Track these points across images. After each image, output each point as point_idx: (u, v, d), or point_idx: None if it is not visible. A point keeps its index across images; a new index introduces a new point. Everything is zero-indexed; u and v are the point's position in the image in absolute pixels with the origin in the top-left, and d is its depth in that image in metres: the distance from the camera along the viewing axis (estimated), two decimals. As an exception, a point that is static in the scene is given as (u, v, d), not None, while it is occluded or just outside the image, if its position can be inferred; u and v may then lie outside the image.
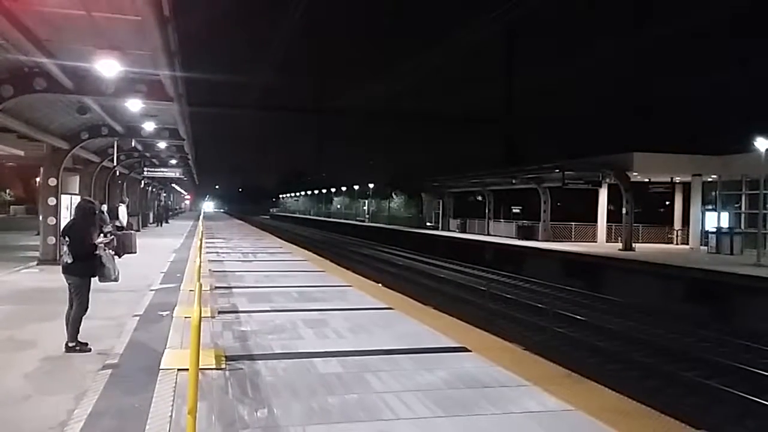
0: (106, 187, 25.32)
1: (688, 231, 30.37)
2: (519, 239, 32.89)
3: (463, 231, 41.49)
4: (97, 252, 7.28)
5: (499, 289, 21.92)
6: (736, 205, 26.65)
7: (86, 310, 7.22)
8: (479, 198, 43.04)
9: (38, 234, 17.49)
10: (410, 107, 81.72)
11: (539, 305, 18.36)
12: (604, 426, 4.84)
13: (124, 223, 19.92)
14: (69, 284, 7.23)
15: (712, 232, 25.99)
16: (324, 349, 7.24)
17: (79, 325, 7.18)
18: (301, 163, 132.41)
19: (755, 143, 20.61)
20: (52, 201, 15.86)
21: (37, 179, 19.59)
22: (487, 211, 40.85)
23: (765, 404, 9.64)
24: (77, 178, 20.39)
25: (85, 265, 7.17)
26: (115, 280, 7.48)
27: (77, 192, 18.75)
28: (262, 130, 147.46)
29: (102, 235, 7.78)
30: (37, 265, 15.15)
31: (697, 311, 17.18)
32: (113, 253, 7.78)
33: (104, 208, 19.55)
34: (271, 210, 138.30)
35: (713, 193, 28.03)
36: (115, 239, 8.09)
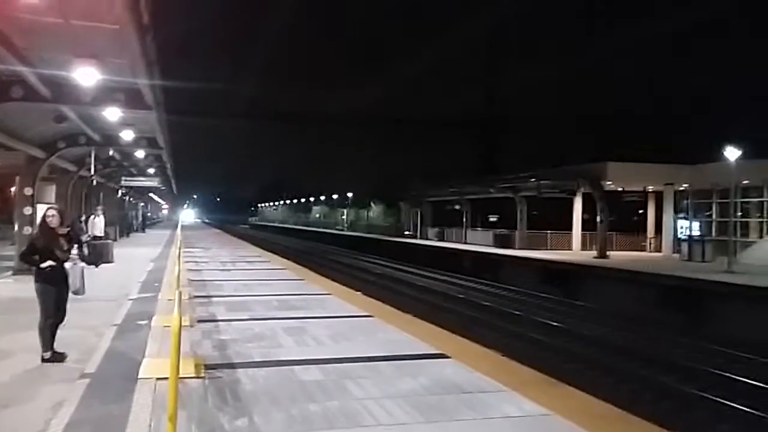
0: (82, 196, 25.05)
1: (661, 239, 30.88)
2: (496, 247, 33.15)
3: (441, 239, 41.68)
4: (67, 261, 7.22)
5: (476, 297, 22.09)
6: (707, 214, 27.18)
7: (49, 319, 7.08)
8: (457, 207, 43.33)
9: (14, 244, 17.25)
10: (389, 115, 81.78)
11: (516, 312, 18.56)
12: (581, 429, 4.94)
13: (101, 233, 19.71)
14: None
15: (685, 240, 26.47)
16: (304, 356, 7.26)
17: (48, 333, 7.08)
18: (281, 173, 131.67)
19: (725, 152, 21.07)
20: (27, 210, 15.69)
21: (13, 189, 19.31)
22: (464, 219, 41.11)
23: (737, 408, 9.85)
24: (53, 187, 20.15)
25: (38, 271, 7.11)
26: (75, 293, 7.39)
27: (53, 202, 18.51)
28: (241, 139, 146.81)
29: (77, 245, 7.71)
30: (12, 275, 14.94)
31: (670, 317, 17.45)
32: (84, 264, 7.72)
33: (83, 218, 19.39)
34: (250, 219, 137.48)
35: (685, 202, 28.56)
36: (86, 249, 8.03)
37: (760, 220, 24.68)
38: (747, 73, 41.81)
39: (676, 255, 27.13)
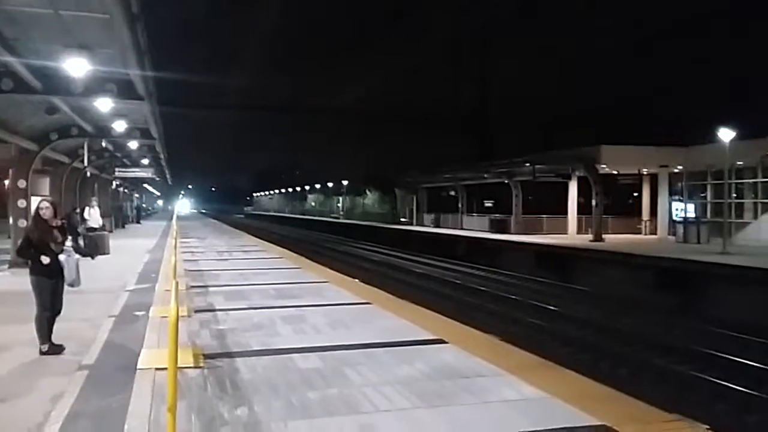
0: (76, 188, 24.95)
1: (656, 221, 30.97)
2: (492, 233, 33.20)
3: (437, 225, 41.72)
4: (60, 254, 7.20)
5: (473, 282, 22.15)
6: (702, 195, 27.24)
7: (46, 311, 7.10)
8: (452, 193, 43.35)
9: (9, 237, 17.22)
10: (385, 105, 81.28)
11: (512, 297, 18.62)
12: (579, 411, 4.97)
13: (97, 225, 19.67)
14: None
15: (680, 222, 26.53)
16: (303, 345, 7.27)
17: (45, 325, 7.11)
18: (276, 162, 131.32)
19: (719, 134, 21.08)
20: (22, 203, 15.65)
21: (6, 181, 19.24)
22: (460, 205, 41.14)
23: (733, 388, 9.93)
24: (47, 179, 20.06)
25: (34, 264, 7.09)
26: (71, 285, 7.37)
27: (48, 194, 18.45)
28: (237, 129, 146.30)
29: (73, 237, 7.68)
30: (9, 268, 14.93)
31: (665, 299, 17.51)
32: (79, 256, 7.69)
33: (78, 210, 19.32)
34: (245, 209, 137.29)
35: (679, 184, 28.60)
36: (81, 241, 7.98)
37: (755, 201, 24.74)
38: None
39: (672, 237, 27.22)
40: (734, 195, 25.05)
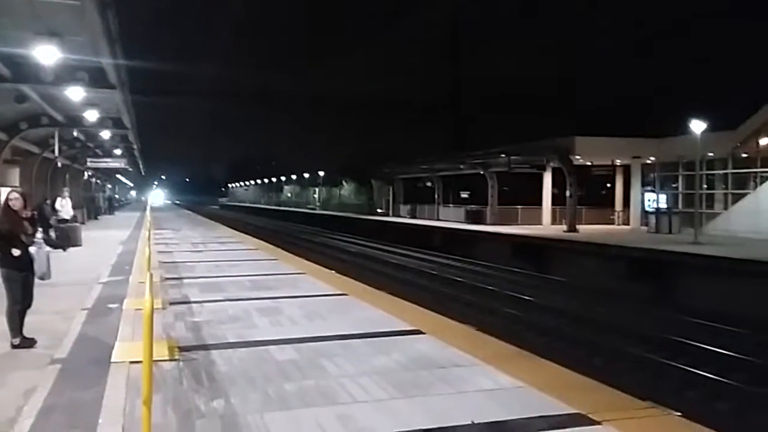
0: (47, 179, 24.51)
1: (629, 212, 31.41)
2: (468, 223, 33.37)
3: (414, 216, 41.82)
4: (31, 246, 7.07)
5: (449, 273, 22.27)
6: (674, 186, 27.67)
7: (17, 305, 6.96)
8: (428, 184, 43.45)
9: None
10: (361, 95, 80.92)
11: (488, 287, 18.75)
12: (554, 400, 5.02)
13: (69, 216, 19.34)
14: None
15: (652, 213, 26.94)
16: (279, 336, 7.24)
17: (16, 319, 6.97)
18: (252, 153, 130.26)
19: (690, 126, 21.41)
20: (-10, 194, 15.32)
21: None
22: (436, 196, 41.28)
23: (703, 375, 10.14)
24: (17, 170, 19.68)
25: (4, 257, 6.93)
26: (41, 277, 7.24)
27: (18, 185, 18.10)
28: (211, 119, 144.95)
29: (44, 229, 7.54)
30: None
31: (638, 289, 17.76)
32: (50, 248, 7.55)
33: (48, 201, 18.98)
34: (220, 200, 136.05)
35: (652, 175, 29.03)
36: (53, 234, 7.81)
37: (725, 191, 25.21)
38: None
39: (644, 227, 27.62)
40: (705, 186, 25.51)
